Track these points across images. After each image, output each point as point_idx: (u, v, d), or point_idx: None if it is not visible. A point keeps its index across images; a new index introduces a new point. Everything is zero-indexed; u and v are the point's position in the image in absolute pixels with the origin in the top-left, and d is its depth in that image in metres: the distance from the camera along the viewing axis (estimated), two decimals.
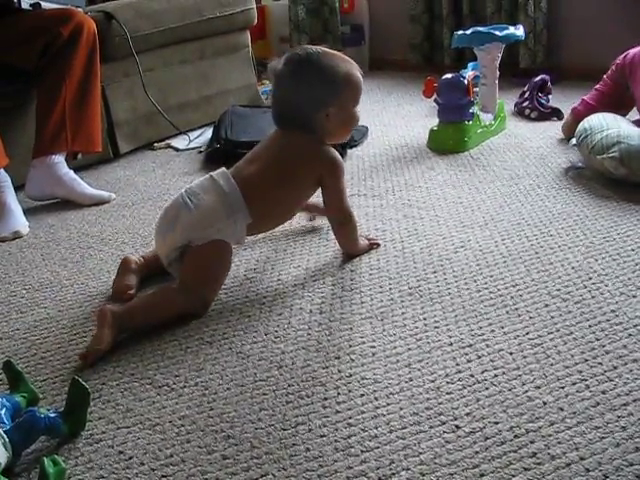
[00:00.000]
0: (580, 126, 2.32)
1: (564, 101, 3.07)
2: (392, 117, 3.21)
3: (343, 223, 1.81)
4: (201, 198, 1.64)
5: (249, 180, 1.68)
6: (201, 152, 2.88)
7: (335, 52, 1.76)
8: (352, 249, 1.84)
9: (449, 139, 2.61)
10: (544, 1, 3.56)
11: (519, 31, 2.71)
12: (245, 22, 3.36)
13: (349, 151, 2.70)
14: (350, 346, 1.44)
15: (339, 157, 1.76)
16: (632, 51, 2.44)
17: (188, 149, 2.96)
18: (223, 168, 1.74)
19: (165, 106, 3.00)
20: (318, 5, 4.21)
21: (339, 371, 1.37)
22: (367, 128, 2.93)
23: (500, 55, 2.73)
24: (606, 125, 2.21)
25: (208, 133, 2.99)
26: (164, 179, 2.61)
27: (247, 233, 1.71)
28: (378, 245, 1.88)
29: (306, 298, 1.65)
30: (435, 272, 1.73)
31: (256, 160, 1.74)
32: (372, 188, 2.31)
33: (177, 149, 2.98)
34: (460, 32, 2.72)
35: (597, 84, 2.60)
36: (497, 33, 2.64)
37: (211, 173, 1.72)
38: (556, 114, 2.96)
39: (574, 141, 2.32)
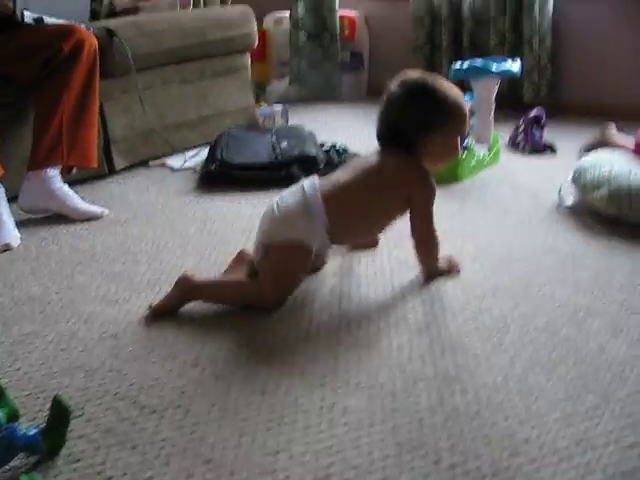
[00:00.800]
0: (577, 164, 2.34)
1: (560, 136, 3.09)
2: None
3: (425, 247, 1.85)
4: (286, 202, 1.73)
5: (333, 187, 1.75)
6: (196, 172, 2.89)
7: (447, 82, 1.79)
8: (430, 269, 1.86)
9: (443, 171, 2.60)
10: (549, 36, 3.59)
11: (515, 66, 2.73)
12: (245, 45, 3.38)
13: None
14: (335, 374, 1.44)
15: (433, 182, 1.80)
16: None
17: (183, 169, 2.97)
18: (315, 175, 1.82)
19: (162, 124, 3.02)
20: (319, 31, 4.24)
21: (322, 399, 1.37)
22: (359, 156, 2.91)
23: (496, 88, 2.75)
24: (600, 163, 2.24)
25: (204, 153, 2.99)
26: (158, 197, 2.62)
27: (330, 239, 1.75)
28: (458, 270, 1.89)
29: (292, 325, 1.65)
30: (423, 303, 1.73)
31: (349, 170, 1.81)
32: None
33: (172, 168, 2.99)
34: (456, 66, 2.74)
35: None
36: (492, 68, 2.66)
37: (302, 181, 1.80)
38: (549, 149, 2.98)
39: (569, 178, 2.34)
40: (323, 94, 4.24)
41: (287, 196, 1.75)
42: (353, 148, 2.95)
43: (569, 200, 2.34)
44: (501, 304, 1.71)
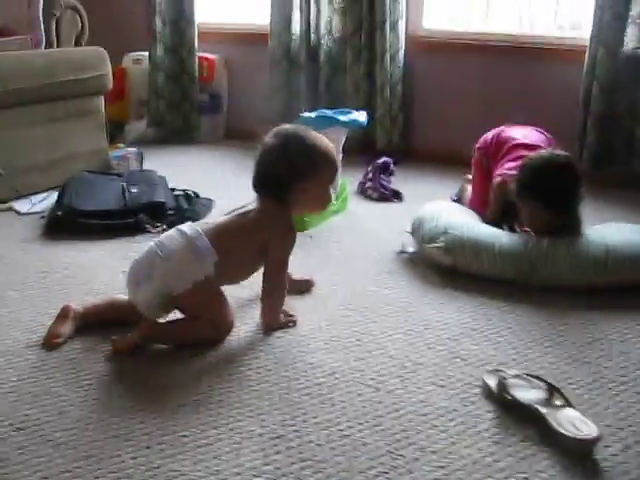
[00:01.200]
0: (416, 214, 2.43)
1: (408, 183, 3.21)
2: (241, 190, 3.19)
3: (272, 293, 1.89)
4: (169, 247, 1.77)
5: (212, 227, 1.83)
6: (43, 217, 2.81)
7: (318, 134, 1.89)
8: (271, 320, 1.90)
9: None
10: (399, 85, 3.74)
11: (362, 117, 2.83)
12: (98, 87, 3.35)
13: None
14: (162, 435, 1.43)
15: (294, 230, 1.88)
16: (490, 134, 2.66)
17: (30, 213, 2.89)
18: (189, 222, 1.88)
19: (11, 167, 2.94)
20: (178, 72, 4.24)
21: (148, 462, 1.36)
22: (212, 201, 2.93)
23: (344, 138, 2.83)
24: (438, 215, 2.34)
25: (53, 198, 2.93)
26: (1, 243, 2.53)
27: (216, 276, 1.79)
28: (294, 323, 1.92)
29: (121, 384, 1.63)
30: (256, 358, 1.74)
31: (227, 216, 1.90)
32: None
33: (19, 212, 2.91)
34: (305, 115, 2.80)
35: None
36: (340, 118, 2.74)
37: (177, 226, 1.85)
38: (397, 196, 3.08)
39: (409, 228, 2.43)
40: (181, 136, 4.24)
41: (166, 242, 1.79)
42: (208, 192, 2.97)
43: (410, 248, 2.42)
44: (333, 358, 1.75)
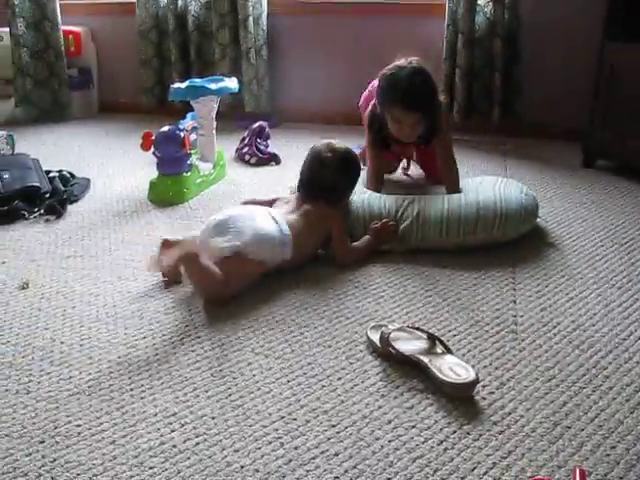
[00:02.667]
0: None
1: (284, 146, 3.23)
2: (117, 166, 3.19)
3: (349, 261, 2.16)
4: (267, 230, 2.01)
5: (293, 227, 2.08)
6: None
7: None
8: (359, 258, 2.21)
9: (168, 191, 2.64)
10: (264, 49, 3.74)
11: (232, 84, 2.83)
12: None
13: (69, 207, 2.65)
14: (55, 427, 1.43)
15: (345, 219, 2.24)
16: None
17: None
18: (276, 210, 2.16)
19: None
20: (43, 48, 4.10)
21: (43, 457, 1.35)
22: (89, 180, 2.89)
23: (216, 106, 2.83)
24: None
25: None
26: None
27: (289, 262, 2.07)
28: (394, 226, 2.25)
29: (12, 378, 1.60)
30: (145, 337, 1.75)
31: (292, 212, 2.16)
32: (89, 248, 2.29)
33: None
34: (176, 86, 2.78)
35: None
36: (211, 86, 2.73)
37: (269, 210, 2.12)
38: (274, 159, 3.11)
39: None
40: (53, 114, 4.12)
41: (261, 218, 2.03)
42: (85, 171, 2.94)
43: None
44: (213, 330, 1.77)
